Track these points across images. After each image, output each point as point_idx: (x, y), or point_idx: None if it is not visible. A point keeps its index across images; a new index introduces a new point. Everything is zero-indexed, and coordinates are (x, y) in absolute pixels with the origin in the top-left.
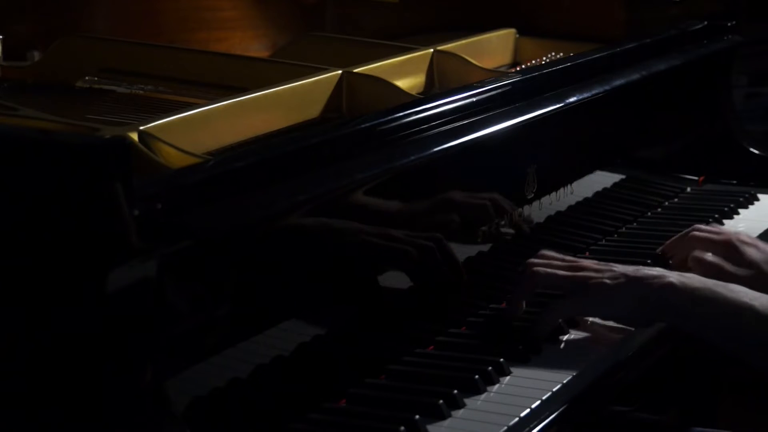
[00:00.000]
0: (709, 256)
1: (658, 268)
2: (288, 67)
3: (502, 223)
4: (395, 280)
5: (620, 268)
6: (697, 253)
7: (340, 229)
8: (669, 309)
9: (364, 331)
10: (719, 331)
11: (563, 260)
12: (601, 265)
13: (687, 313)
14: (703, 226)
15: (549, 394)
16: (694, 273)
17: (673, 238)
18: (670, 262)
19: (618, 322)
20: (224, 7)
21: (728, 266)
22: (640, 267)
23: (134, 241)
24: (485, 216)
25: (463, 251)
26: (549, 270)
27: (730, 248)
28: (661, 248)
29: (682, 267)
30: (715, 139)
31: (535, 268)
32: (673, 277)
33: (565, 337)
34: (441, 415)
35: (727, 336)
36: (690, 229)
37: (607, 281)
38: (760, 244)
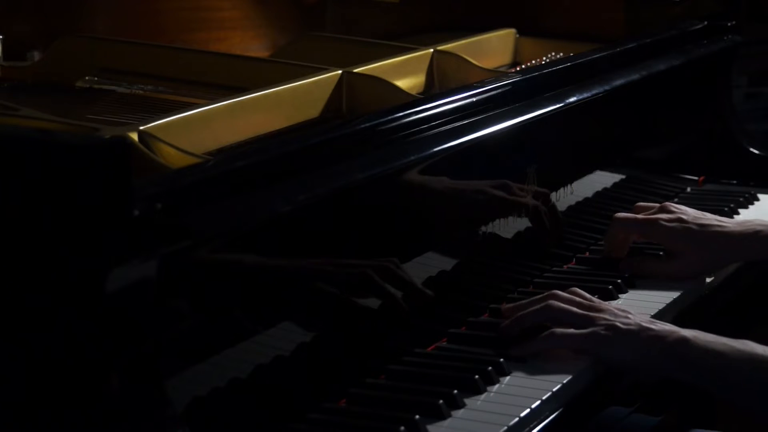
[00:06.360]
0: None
1: (671, 325)
2: (288, 67)
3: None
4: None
5: (637, 317)
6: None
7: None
8: (681, 362)
9: (365, 331)
10: (733, 385)
11: (586, 299)
12: (619, 311)
13: (702, 366)
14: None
15: (549, 394)
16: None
17: (606, 240)
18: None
19: (621, 369)
20: (224, 7)
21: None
22: (656, 321)
23: (134, 241)
24: (488, 214)
25: (463, 251)
26: (564, 305)
27: (651, 226)
28: (604, 253)
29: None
30: (715, 139)
31: (551, 301)
32: (686, 332)
33: None
34: (441, 415)
35: (741, 390)
36: (612, 223)
37: (620, 325)
38: (689, 211)
